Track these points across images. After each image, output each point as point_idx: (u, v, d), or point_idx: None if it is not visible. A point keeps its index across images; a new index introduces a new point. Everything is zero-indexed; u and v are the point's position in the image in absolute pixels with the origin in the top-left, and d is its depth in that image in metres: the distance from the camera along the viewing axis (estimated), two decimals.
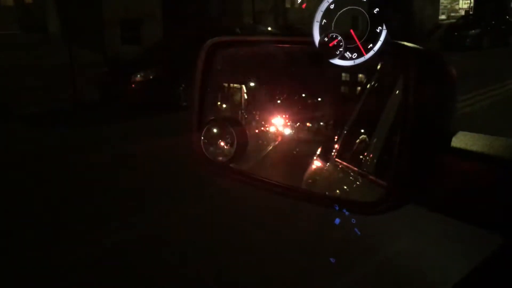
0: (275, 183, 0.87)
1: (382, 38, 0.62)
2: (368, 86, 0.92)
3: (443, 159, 0.64)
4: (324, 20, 0.66)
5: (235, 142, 0.85)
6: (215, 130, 0.87)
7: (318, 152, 1.01)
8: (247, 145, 0.88)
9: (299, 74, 0.99)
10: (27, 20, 15.89)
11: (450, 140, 0.67)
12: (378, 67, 0.86)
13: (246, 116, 1.05)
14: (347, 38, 0.65)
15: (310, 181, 0.98)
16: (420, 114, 0.64)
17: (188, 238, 3.92)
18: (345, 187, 0.94)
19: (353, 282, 3.15)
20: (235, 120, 0.95)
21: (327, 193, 0.91)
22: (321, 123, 0.98)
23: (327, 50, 0.65)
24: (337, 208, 0.72)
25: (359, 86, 0.93)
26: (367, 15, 0.63)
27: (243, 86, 1.06)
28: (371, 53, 0.63)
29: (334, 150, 0.99)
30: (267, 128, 0.99)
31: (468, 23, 19.28)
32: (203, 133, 0.87)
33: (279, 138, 0.97)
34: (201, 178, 3.78)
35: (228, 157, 0.86)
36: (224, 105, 1.08)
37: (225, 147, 0.86)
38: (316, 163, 1.01)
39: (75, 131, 7.87)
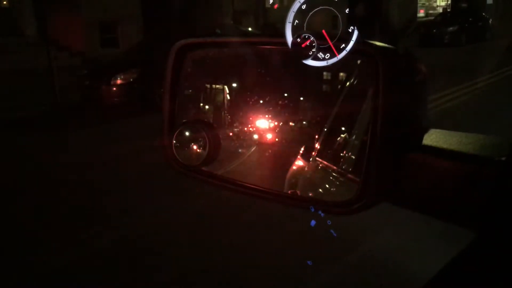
0: (249, 186, 0.86)
1: (354, 37, 0.62)
2: (347, 84, 0.92)
3: (415, 157, 0.65)
4: (296, 21, 0.66)
5: (208, 145, 0.84)
6: (187, 133, 0.86)
7: (301, 152, 1.01)
8: (220, 148, 0.87)
9: (280, 74, 0.99)
10: (3, 24, 15.60)
11: (422, 138, 0.67)
12: (358, 63, 0.86)
13: (229, 117, 1.04)
14: (320, 38, 0.65)
15: (293, 181, 0.97)
16: (389, 112, 0.64)
17: (173, 239, 3.89)
18: (326, 186, 0.94)
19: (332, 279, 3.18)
20: (207, 123, 0.94)
21: (300, 194, 0.91)
22: (304, 122, 0.98)
23: (300, 51, 0.65)
24: (312, 209, 0.72)
25: (340, 84, 0.93)
26: (338, 15, 0.63)
27: (225, 87, 1.05)
28: (343, 53, 0.63)
29: (314, 149, 0.99)
30: (250, 129, 0.98)
31: (446, 20, 19.61)
32: (174, 136, 0.85)
33: (262, 139, 0.97)
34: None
35: (200, 160, 0.85)
36: (206, 107, 1.07)
37: (198, 150, 0.85)
38: (299, 163, 1.00)
39: (54, 136, 7.76)
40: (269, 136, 0.96)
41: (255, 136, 0.97)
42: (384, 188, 0.66)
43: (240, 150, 0.99)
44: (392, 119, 0.65)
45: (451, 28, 18.55)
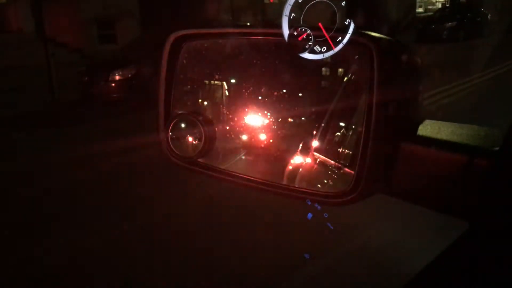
0: (246, 177, 0.86)
1: (350, 30, 0.62)
2: (345, 79, 0.92)
3: (409, 147, 0.65)
4: (293, 14, 0.66)
5: (203, 136, 0.84)
6: (182, 125, 0.86)
7: (300, 147, 1.01)
8: (215, 139, 0.87)
9: (278, 69, 0.99)
10: (0, 20, 15.57)
11: (417, 129, 0.67)
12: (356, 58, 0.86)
13: (227, 113, 1.04)
14: (316, 31, 0.65)
15: (291, 176, 0.98)
16: (383, 102, 0.64)
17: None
18: (324, 180, 0.94)
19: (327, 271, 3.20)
20: (202, 114, 0.94)
21: (296, 186, 0.91)
22: (302, 118, 0.98)
23: (296, 43, 0.65)
24: (309, 202, 0.72)
25: (338, 80, 0.94)
26: (335, 9, 0.63)
27: (224, 83, 1.05)
28: (340, 45, 0.63)
29: (313, 144, 0.99)
30: (248, 126, 0.98)
31: (445, 15, 19.58)
32: (170, 128, 0.85)
33: (256, 138, 0.97)
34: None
35: (196, 152, 0.85)
36: (205, 102, 1.07)
37: (194, 142, 0.85)
38: (297, 158, 1.01)
39: (53, 133, 7.75)
40: (265, 133, 0.97)
41: (244, 137, 0.98)
42: (378, 179, 0.67)
43: (237, 157, 0.99)
44: (387, 109, 0.65)
45: (449, 24, 18.53)
